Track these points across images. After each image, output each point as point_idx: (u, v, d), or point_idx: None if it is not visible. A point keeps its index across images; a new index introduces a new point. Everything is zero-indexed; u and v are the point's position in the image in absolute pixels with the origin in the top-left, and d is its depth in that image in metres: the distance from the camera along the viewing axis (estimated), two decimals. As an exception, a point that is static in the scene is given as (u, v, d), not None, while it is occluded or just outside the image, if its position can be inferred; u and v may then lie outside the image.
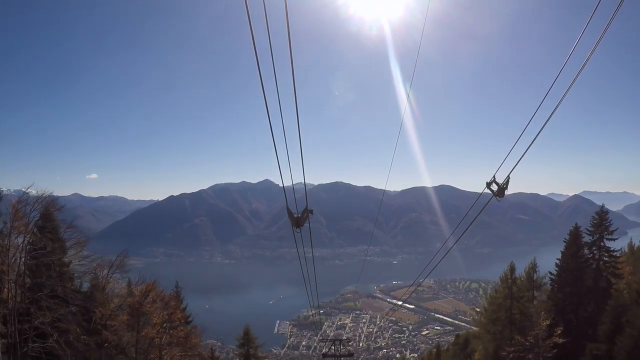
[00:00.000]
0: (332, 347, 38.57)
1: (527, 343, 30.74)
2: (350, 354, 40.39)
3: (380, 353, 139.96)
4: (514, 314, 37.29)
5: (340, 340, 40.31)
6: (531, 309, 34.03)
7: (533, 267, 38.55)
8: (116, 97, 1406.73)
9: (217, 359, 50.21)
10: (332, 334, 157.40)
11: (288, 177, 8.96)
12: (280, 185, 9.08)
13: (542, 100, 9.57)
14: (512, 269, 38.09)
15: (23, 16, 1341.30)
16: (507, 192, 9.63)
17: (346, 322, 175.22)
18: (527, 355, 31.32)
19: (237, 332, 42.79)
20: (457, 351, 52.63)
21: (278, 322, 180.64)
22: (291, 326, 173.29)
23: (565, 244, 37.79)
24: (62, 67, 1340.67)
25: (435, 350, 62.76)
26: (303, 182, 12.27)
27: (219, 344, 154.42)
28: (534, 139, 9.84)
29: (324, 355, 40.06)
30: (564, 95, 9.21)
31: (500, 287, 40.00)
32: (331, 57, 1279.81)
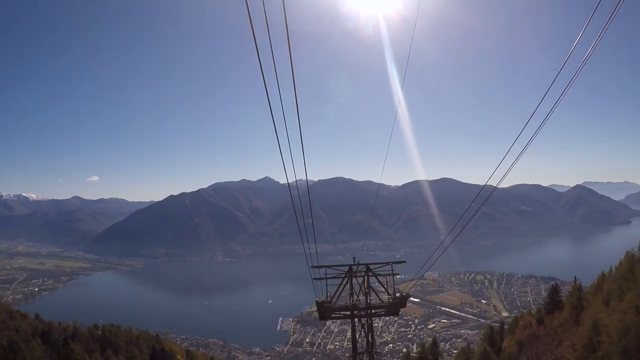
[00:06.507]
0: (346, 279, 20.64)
1: None
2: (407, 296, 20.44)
3: (387, 348, 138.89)
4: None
5: (368, 267, 20.67)
6: None
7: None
8: (115, 99, 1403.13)
9: None
10: (335, 330, 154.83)
11: (290, 174, 8.51)
12: (280, 182, 8.39)
13: (542, 97, 9.33)
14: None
15: (25, 17, 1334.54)
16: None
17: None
18: None
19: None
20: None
21: (281, 319, 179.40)
22: (294, 323, 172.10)
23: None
24: (62, 70, 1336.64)
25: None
26: (305, 178, 11.38)
27: (220, 342, 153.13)
28: (533, 136, 9.76)
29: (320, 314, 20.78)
30: (562, 94, 8.91)
31: None
32: (328, 54, 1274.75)
